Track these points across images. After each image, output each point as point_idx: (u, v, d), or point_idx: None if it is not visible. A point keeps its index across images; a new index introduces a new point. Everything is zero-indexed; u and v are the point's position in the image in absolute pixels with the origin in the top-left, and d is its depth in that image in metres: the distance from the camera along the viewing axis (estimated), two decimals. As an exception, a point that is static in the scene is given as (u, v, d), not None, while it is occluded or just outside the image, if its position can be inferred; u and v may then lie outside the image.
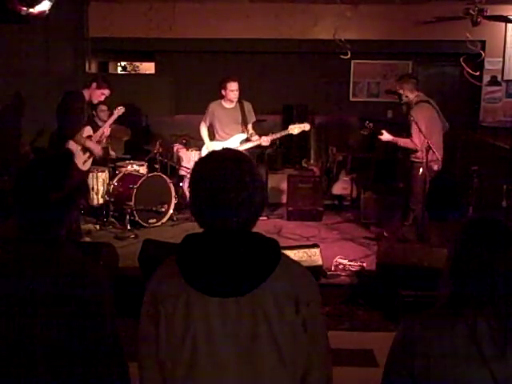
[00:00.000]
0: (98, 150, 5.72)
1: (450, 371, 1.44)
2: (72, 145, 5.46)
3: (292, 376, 1.47)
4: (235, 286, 1.42)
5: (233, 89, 5.96)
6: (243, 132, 6.14)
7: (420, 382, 1.48)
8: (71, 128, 5.42)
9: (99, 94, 5.53)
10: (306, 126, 6.11)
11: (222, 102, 6.11)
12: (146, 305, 1.52)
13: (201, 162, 1.54)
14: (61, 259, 1.64)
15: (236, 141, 6.13)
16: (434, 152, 5.15)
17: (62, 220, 1.72)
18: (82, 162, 5.62)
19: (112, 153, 7.05)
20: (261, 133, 6.24)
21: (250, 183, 1.48)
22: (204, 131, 6.28)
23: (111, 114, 6.14)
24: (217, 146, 6.14)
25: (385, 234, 6.03)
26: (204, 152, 6.27)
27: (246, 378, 1.43)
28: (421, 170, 5.32)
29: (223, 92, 6.03)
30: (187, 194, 7.29)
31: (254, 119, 6.24)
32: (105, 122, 6.30)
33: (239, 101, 6.10)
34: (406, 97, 5.54)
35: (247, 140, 6.14)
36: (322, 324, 1.56)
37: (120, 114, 5.95)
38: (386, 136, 5.61)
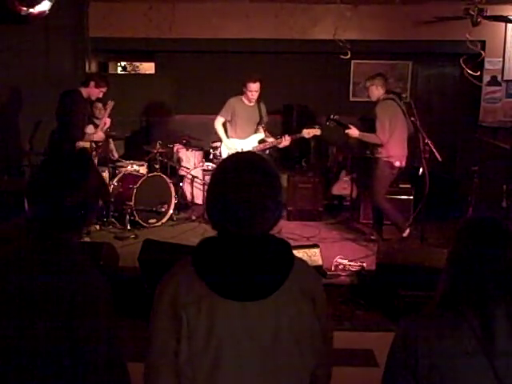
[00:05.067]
0: (101, 137, 5.87)
1: (454, 370, 1.45)
2: (81, 146, 5.49)
3: (307, 372, 1.50)
4: (258, 289, 1.43)
5: (251, 89, 5.95)
6: (256, 132, 6.16)
7: (423, 382, 1.49)
8: (79, 130, 5.47)
9: (98, 92, 5.64)
10: (318, 131, 6.09)
11: (243, 98, 6.08)
12: (163, 312, 1.45)
13: (228, 167, 1.50)
14: (62, 263, 1.60)
15: (254, 140, 6.14)
16: (434, 150, 5.18)
17: (77, 224, 1.66)
18: None
19: (115, 154, 7.08)
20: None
21: (278, 189, 1.50)
22: (221, 125, 6.16)
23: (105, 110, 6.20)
24: (236, 144, 6.12)
25: (372, 237, 6.03)
26: (224, 150, 6.20)
27: (267, 378, 1.44)
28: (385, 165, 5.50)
29: (244, 89, 6.01)
30: (187, 194, 7.31)
31: (267, 120, 6.25)
32: (100, 118, 6.37)
33: (257, 100, 6.10)
34: (377, 92, 5.59)
35: (263, 140, 6.16)
36: (330, 319, 1.63)
37: (111, 107, 5.99)
38: (353, 131, 5.68)
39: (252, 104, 6.10)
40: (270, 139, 6.13)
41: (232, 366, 1.41)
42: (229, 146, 6.14)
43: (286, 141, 6.03)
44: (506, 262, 1.50)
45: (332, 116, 5.73)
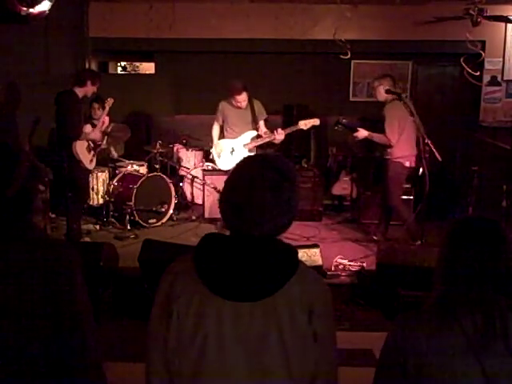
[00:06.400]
0: (98, 136, 5.84)
1: (443, 369, 1.46)
2: (78, 145, 5.49)
3: (295, 381, 1.45)
4: (251, 291, 1.42)
5: (239, 100, 5.93)
6: (254, 130, 6.09)
7: (412, 381, 1.50)
8: (76, 129, 5.47)
9: (93, 89, 5.64)
10: (316, 121, 5.94)
11: (233, 101, 6.04)
12: (158, 300, 1.52)
13: (242, 168, 1.51)
14: (28, 236, 1.67)
15: (246, 138, 6.09)
16: (434, 150, 5.17)
17: (26, 210, 1.72)
18: (89, 160, 5.66)
19: (114, 153, 7.07)
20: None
21: (290, 192, 1.49)
22: (215, 130, 6.22)
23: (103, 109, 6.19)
24: (226, 143, 6.14)
25: (374, 237, 6.00)
26: (213, 151, 6.26)
27: (252, 380, 1.43)
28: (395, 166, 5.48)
29: (231, 99, 5.98)
30: (187, 194, 7.31)
31: (264, 116, 6.13)
32: (97, 119, 6.37)
33: (249, 100, 6.03)
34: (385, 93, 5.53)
35: (258, 137, 6.08)
36: (333, 334, 1.55)
37: (110, 105, 5.98)
38: (361, 133, 5.63)
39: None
40: (266, 135, 6.02)
41: (216, 364, 1.42)
42: (217, 147, 6.18)
43: (279, 135, 5.88)
44: (496, 262, 1.50)
45: (340, 120, 5.68)
